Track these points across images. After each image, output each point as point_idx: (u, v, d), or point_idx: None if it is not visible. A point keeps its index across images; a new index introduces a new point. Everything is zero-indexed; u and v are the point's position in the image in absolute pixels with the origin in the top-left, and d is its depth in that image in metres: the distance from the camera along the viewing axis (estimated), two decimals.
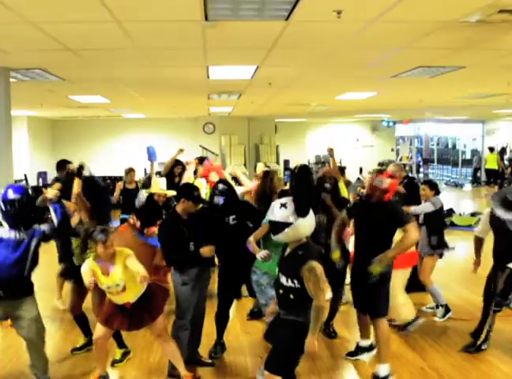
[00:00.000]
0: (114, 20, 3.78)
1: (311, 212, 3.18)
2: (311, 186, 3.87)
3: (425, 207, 5.24)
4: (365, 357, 4.37)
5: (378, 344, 4.10)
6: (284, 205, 3.11)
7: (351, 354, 4.44)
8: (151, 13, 3.65)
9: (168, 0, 3.35)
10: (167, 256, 4.04)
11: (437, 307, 5.38)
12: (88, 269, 3.60)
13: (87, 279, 3.55)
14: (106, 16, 3.64)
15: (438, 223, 5.31)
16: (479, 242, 4.52)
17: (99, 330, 3.77)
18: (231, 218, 4.26)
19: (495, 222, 4.22)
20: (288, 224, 3.05)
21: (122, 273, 3.60)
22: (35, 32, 4.07)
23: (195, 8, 3.47)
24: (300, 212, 3.07)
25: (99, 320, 3.81)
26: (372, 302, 4.04)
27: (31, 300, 3.62)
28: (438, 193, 5.41)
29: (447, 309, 5.26)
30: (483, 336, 4.39)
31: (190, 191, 4.08)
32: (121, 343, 4.37)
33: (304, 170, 4.37)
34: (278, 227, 3.09)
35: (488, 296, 4.35)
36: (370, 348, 4.41)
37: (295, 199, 3.16)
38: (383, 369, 3.94)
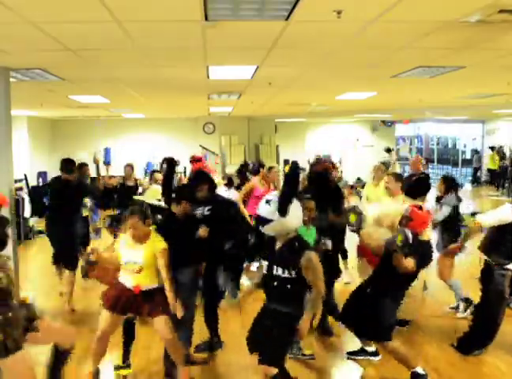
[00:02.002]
0: (114, 20, 3.78)
1: (297, 206, 3.28)
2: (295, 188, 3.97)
3: (444, 211, 5.14)
4: (367, 358, 4.38)
5: (398, 360, 3.98)
6: (268, 202, 3.26)
7: (352, 353, 4.43)
8: (151, 13, 3.65)
9: (168, 0, 3.35)
10: None
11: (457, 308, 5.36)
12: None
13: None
14: (106, 16, 3.64)
15: (451, 223, 5.19)
16: (477, 232, 4.40)
17: (104, 322, 3.80)
18: (206, 209, 4.30)
19: None
20: (270, 220, 3.21)
21: (144, 256, 3.71)
22: (35, 32, 4.07)
23: (195, 8, 3.47)
24: (280, 212, 3.19)
25: (104, 304, 3.83)
26: (375, 324, 3.90)
27: None
28: (450, 188, 5.31)
29: (468, 302, 5.19)
30: None
31: (190, 193, 4.17)
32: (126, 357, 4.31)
33: (294, 169, 4.40)
34: (263, 221, 3.26)
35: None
36: (374, 354, 4.38)
37: (279, 198, 3.26)
38: (418, 369, 3.90)
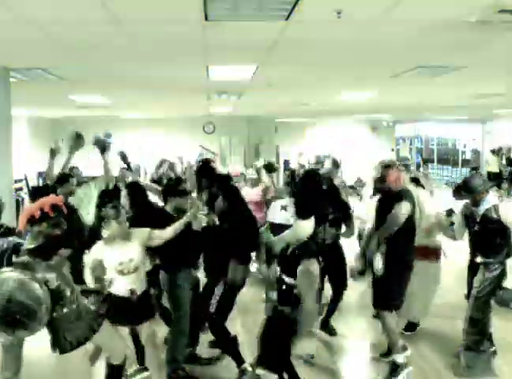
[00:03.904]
0: (114, 20, 3.78)
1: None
2: (318, 192, 3.84)
3: None
4: (399, 358, 4.17)
5: (386, 337, 4.07)
6: (284, 208, 3.13)
7: (385, 355, 4.37)
8: (151, 13, 3.65)
9: (168, 0, 3.35)
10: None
11: None
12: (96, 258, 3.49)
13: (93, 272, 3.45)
14: (106, 16, 3.64)
15: None
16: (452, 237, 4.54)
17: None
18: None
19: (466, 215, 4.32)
20: (287, 226, 3.09)
21: (137, 251, 3.59)
22: (35, 32, 4.07)
23: (195, 8, 3.47)
24: (301, 215, 3.06)
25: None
26: (377, 292, 4.07)
27: None
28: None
29: None
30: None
31: (174, 188, 4.12)
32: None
33: (312, 175, 4.37)
34: (279, 228, 3.14)
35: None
36: (403, 348, 4.21)
37: (299, 202, 3.14)
38: (398, 358, 3.93)
